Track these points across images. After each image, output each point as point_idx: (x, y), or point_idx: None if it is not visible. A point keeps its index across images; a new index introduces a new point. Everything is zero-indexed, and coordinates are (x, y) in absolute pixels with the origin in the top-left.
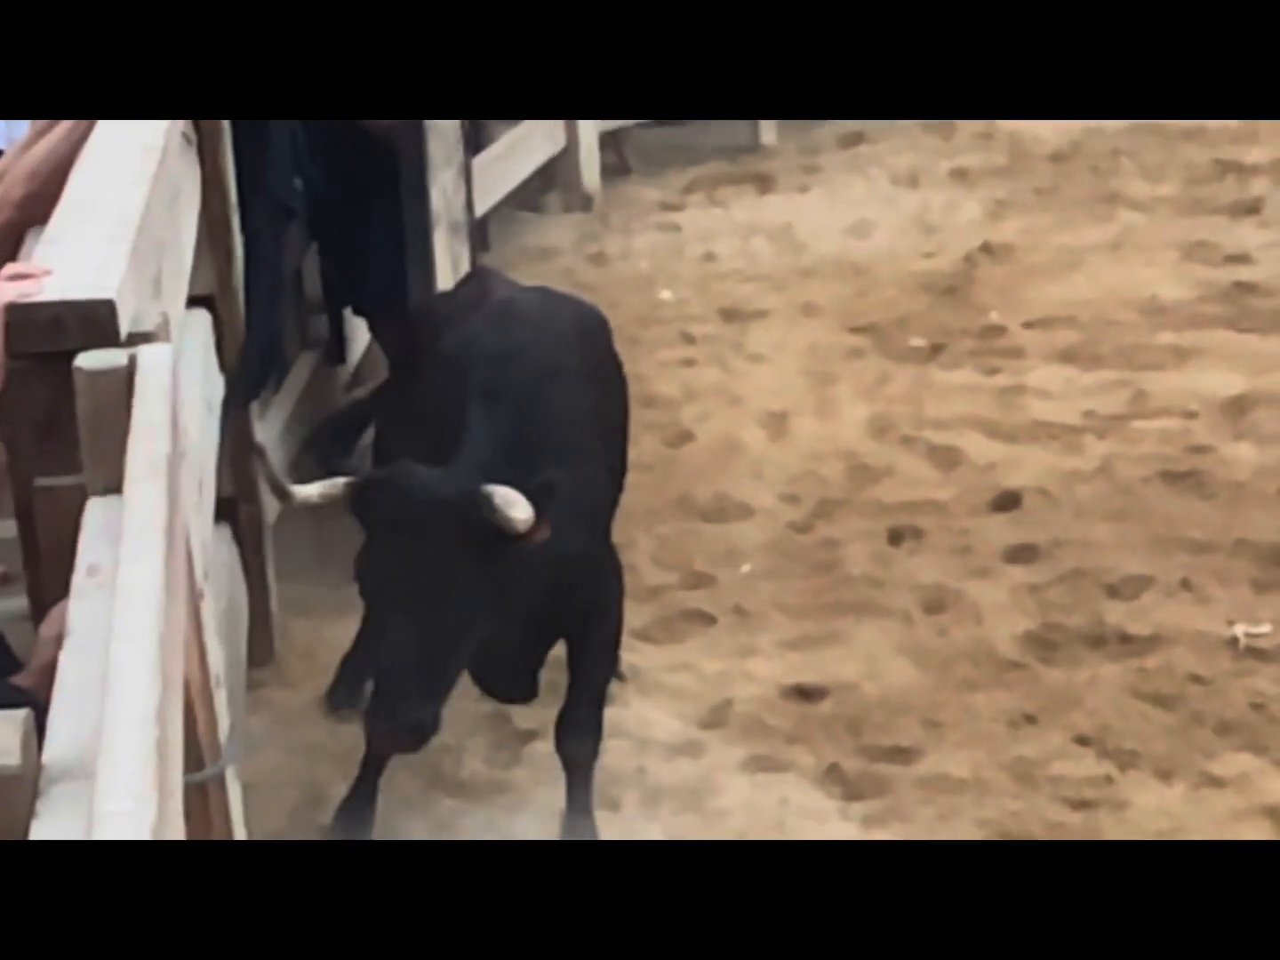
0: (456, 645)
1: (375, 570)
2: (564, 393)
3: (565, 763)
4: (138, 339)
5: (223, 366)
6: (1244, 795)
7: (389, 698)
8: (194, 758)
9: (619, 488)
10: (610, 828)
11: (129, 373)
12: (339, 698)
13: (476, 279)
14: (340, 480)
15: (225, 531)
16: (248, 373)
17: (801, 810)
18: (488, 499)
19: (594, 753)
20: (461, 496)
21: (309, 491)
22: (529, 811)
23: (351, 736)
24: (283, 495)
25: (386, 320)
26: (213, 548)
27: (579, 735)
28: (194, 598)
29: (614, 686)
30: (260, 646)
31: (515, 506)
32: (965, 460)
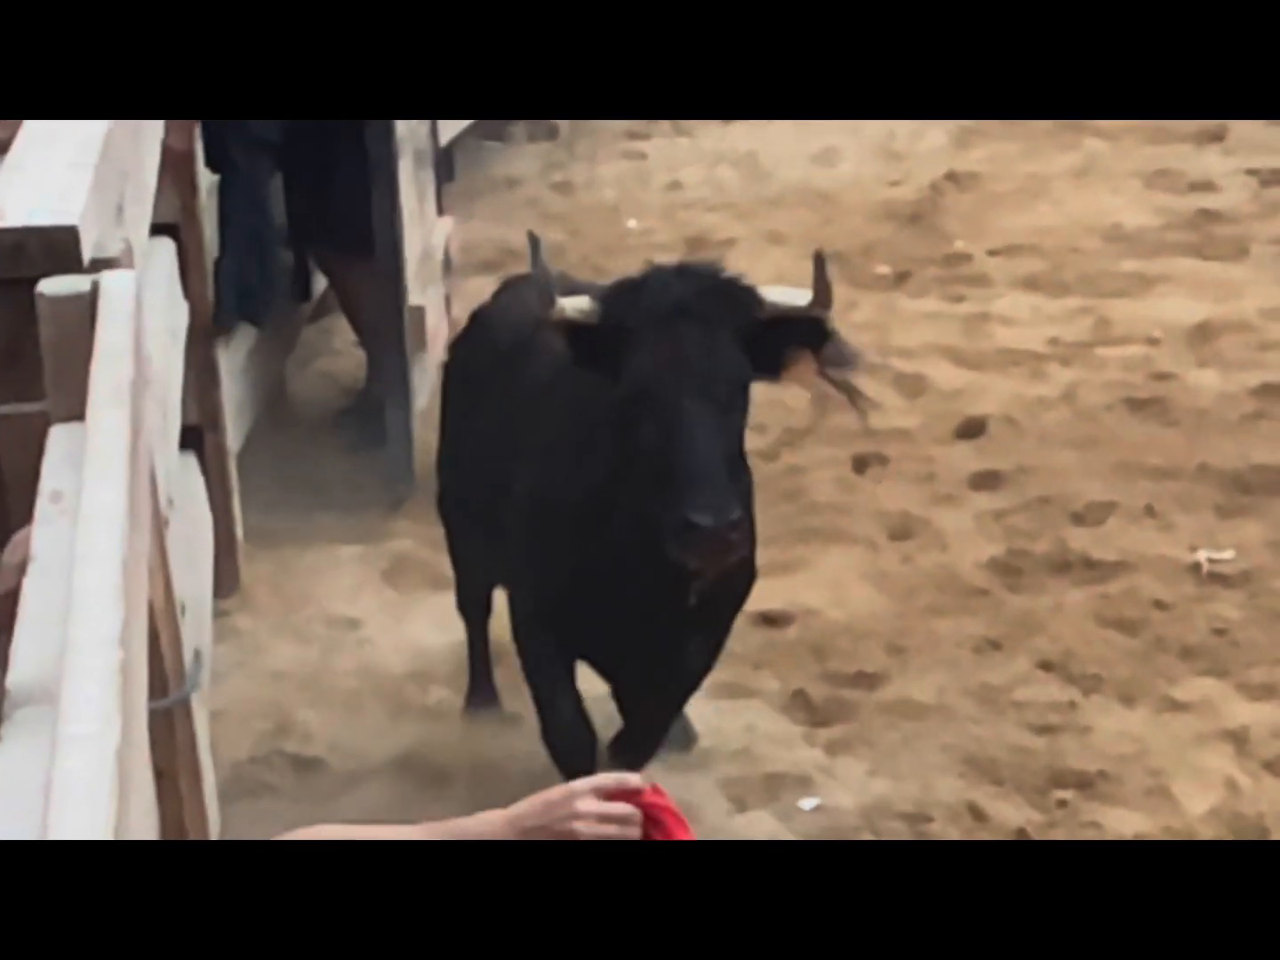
0: (741, 447)
1: (656, 369)
2: None
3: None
4: (101, 265)
5: (187, 294)
6: (1206, 719)
7: (708, 497)
8: (159, 684)
9: None
10: None
11: (92, 299)
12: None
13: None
14: (585, 298)
15: (190, 460)
16: (224, 306)
17: (767, 736)
18: (759, 292)
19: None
20: (742, 282)
21: (566, 303)
22: (496, 736)
23: (318, 664)
24: (549, 301)
25: (350, 250)
26: (177, 476)
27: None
28: (158, 524)
29: None
30: (226, 575)
31: (792, 294)
32: (931, 388)
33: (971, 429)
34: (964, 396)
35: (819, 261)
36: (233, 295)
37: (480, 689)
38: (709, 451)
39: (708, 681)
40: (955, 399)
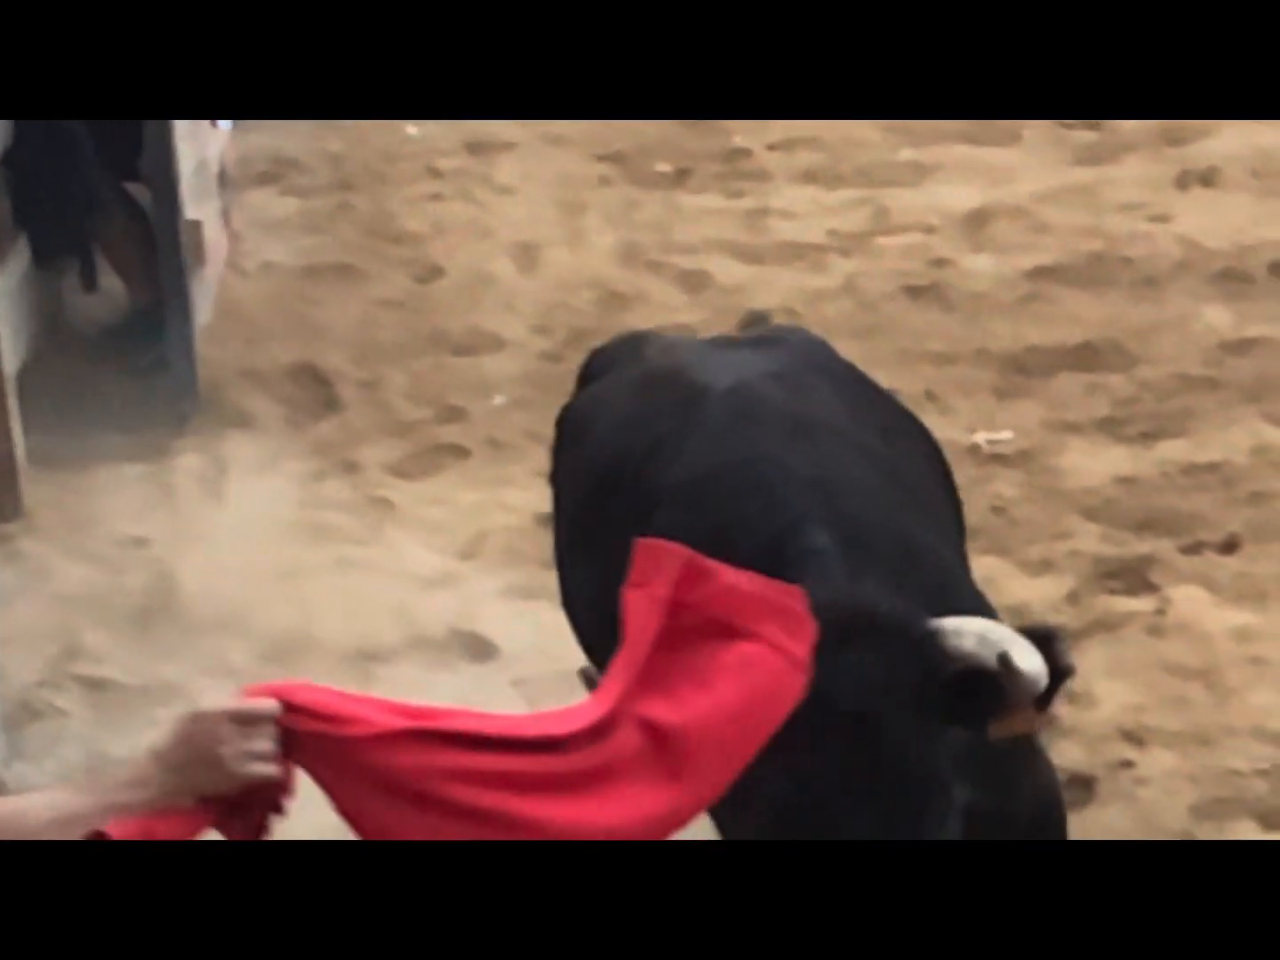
0: None
1: (790, 802)
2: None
3: None
4: None
5: None
6: (987, 595)
7: None
8: None
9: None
10: (369, 663)
11: None
12: None
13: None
14: None
15: None
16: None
17: (559, 634)
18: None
19: None
20: (918, 636)
21: None
22: None
23: (106, 585)
24: None
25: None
26: None
27: None
28: None
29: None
30: (8, 499)
31: (1022, 653)
32: (713, 283)
33: (754, 322)
34: (746, 290)
35: (1046, 636)
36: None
37: None
38: None
39: (500, 583)
40: (737, 293)
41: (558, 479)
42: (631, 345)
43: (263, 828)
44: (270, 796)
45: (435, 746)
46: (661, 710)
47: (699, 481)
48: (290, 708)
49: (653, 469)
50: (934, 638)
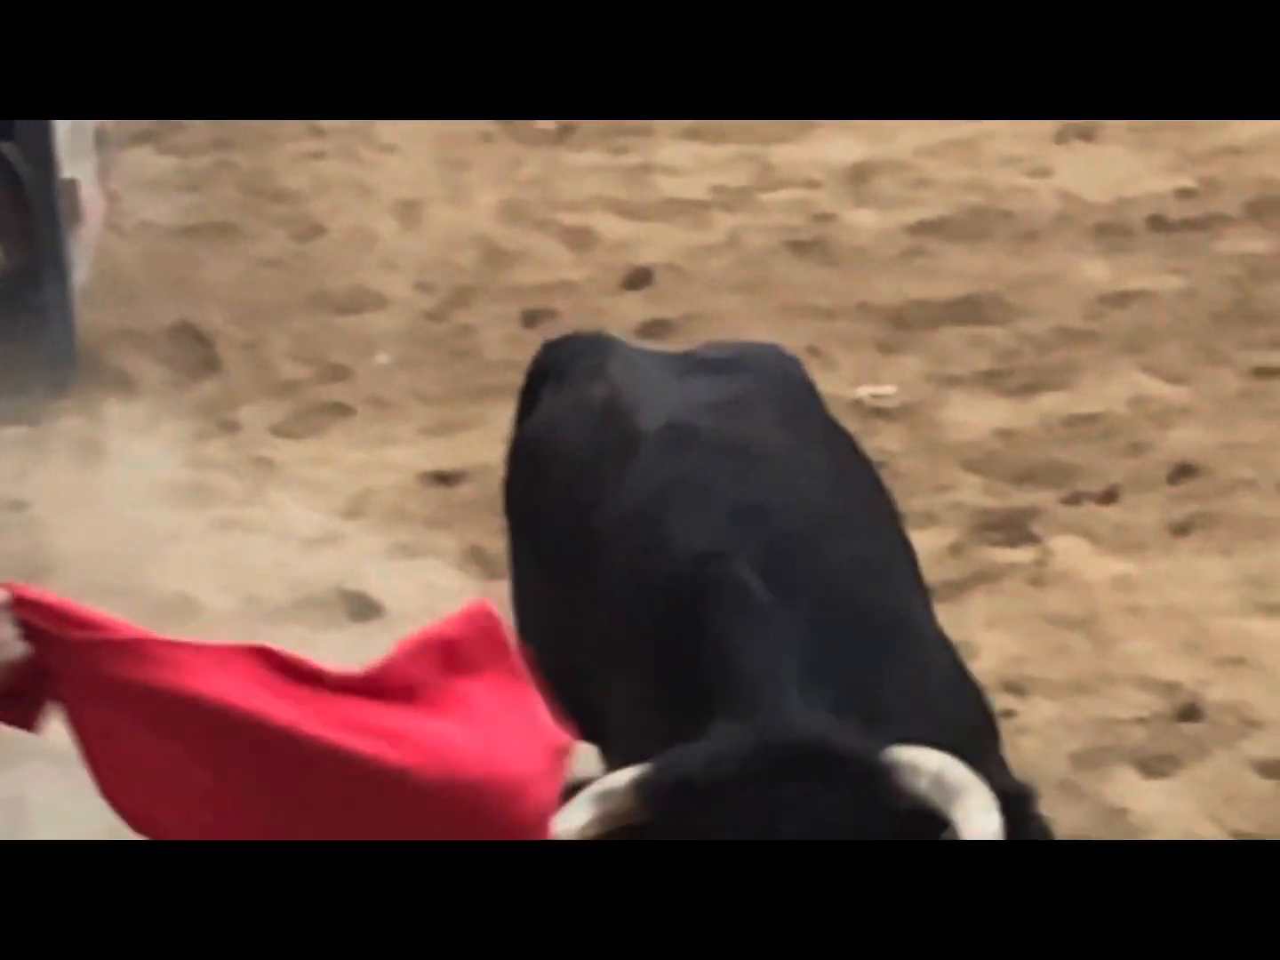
0: None
1: None
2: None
3: None
4: None
5: None
6: None
7: None
8: None
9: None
10: (254, 624)
11: None
12: None
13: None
14: (613, 785)
15: None
16: None
17: (445, 592)
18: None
19: None
20: (868, 766)
21: (580, 820)
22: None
23: None
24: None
25: None
26: None
27: None
28: None
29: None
30: None
31: (975, 813)
32: (597, 240)
33: (638, 279)
34: (630, 247)
35: (1017, 797)
36: None
37: None
38: None
39: (384, 543)
40: (621, 250)
41: (514, 507)
42: (593, 355)
43: (38, 716)
44: (39, 685)
45: (177, 666)
46: (384, 734)
47: (625, 519)
48: (21, 601)
49: (595, 518)
50: (887, 774)
